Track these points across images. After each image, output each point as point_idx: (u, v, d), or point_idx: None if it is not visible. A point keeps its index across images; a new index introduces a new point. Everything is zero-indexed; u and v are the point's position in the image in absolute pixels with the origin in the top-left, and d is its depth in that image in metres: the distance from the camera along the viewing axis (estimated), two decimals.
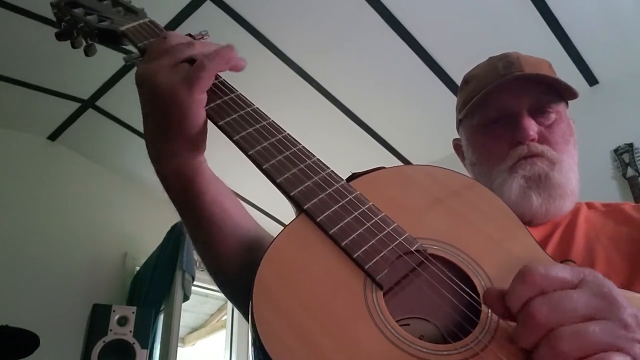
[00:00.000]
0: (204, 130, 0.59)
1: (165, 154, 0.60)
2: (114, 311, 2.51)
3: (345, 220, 0.50)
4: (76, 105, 2.91)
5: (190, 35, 0.65)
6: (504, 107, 0.78)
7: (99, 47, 0.73)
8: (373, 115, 2.74)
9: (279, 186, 0.53)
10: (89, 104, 2.89)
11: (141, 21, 0.69)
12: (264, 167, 0.54)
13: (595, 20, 2.15)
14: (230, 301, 0.74)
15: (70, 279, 2.86)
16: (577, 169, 0.78)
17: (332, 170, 0.55)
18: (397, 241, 0.48)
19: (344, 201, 0.52)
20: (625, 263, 0.65)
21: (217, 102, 0.59)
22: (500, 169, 0.76)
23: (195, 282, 2.79)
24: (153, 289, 2.74)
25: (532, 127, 0.75)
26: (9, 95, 2.77)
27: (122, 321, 2.49)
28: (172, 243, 2.76)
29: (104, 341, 2.41)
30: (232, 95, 0.60)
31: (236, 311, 3.42)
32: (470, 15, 2.20)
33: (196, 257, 2.62)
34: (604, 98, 2.37)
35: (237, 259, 0.66)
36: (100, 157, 3.30)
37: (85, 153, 3.27)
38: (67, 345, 2.55)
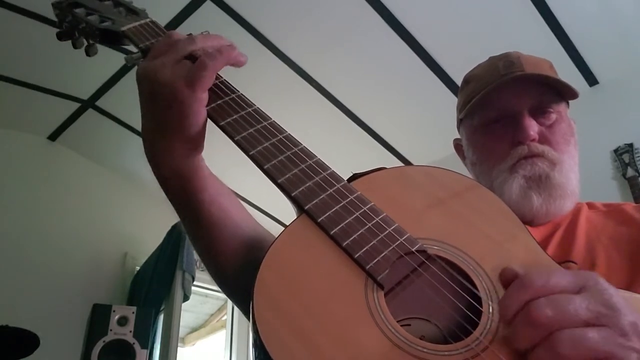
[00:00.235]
0: (203, 130, 0.59)
1: (164, 153, 0.60)
2: (114, 311, 2.51)
3: (347, 221, 0.50)
4: (76, 105, 2.91)
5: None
6: (504, 107, 0.78)
7: (99, 48, 0.73)
8: (373, 115, 2.74)
9: (280, 186, 0.53)
10: (89, 104, 2.89)
11: (142, 21, 0.69)
12: (265, 167, 0.54)
13: (595, 20, 2.15)
14: (230, 299, 0.74)
15: (70, 279, 2.86)
16: (577, 169, 0.78)
17: (333, 171, 0.55)
18: (398, 241, 0.48)
19: (345, 201, 0.52)
20: (626, 263, 0.65)
21: (219, 102, 0.59)
22: (501, 168, 0.76)
23: (195, 282, 2.79)
24: (153, 289, 2.74)
25: (532, 127, 0.75)
26: (9, 95, 2.77)
27: (122, 321, 2.49)
28: (172, 243, 2.76)
29: (104, 341, 2.41)
30: (234, 95, 0.60)
31: (236, 311, 3.43)
32: (470, 15, 2.20)
33: (196, 257, 2.62)
34: (604, 98, 2.37)
35: (237, 259, 0.66)
36: (100, 157, 3.30)
37: (85, 153, 3.27)
38: (67, 345, 2.55)
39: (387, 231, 0.49)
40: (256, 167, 0.55)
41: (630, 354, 0.35)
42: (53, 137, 3.15)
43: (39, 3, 2.18)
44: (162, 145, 0.59)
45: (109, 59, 2.35)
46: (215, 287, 0.71)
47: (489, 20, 2.19)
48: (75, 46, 0.71)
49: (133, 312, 2.54)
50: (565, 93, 0.80)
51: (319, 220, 0.49)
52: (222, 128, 0.57)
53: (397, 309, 0.44)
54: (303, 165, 0.55)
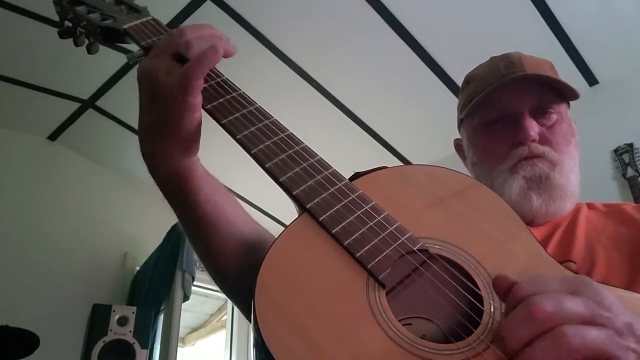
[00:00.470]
0: (198, 131, 0.59)
1: (160, 153, 0.60)
2: (114, 311, 2.51)
3: (348, 220, 0.50)
4: (76, 105, 2.91)
5: None
6: (505, 108, 0.78)
7: (100, 47, 0.73)
8: (373, 115, 2.74)
9: (281, 185, 0.53)
10: (89, 104, 2.89)
11: (144, 19, 0.69)
12: (267, 165, 0.54)
13: (595, 20, 2.15)
14: (230, 299, 0.74)
15: (70, 279, 2.85)
16: (577, 170, 0.78)
17: (334, 170, 0.55)
18: (400, 240, 0.48)
19: (346, 200, 0.52)
20: (626, 263, 0.65)
21: (220, 100, 0.59)
22: (501, 169, 0.76)
23: (195, 282, 2.78)
24: (153, 289, 2.74)
25: (533, 127, 0.75)
26: (9, 95, 2.77)
27: (122, 321, 2.49)
28: (172, 243, 2.76)
29: (104, 341, 2.41)
30: (235, 94, 0.60)
31: (236, 311, 3.42)
32: (470, 16, 2.20)
33: (196, 257, 2.62)
34: (604, 98, 2.37)
35: (235, 258, 0.66)
36: (100, 157, 3.30)
37: (85, 153, 3.27)
38: (67, 345, 2.55)
39: (388, 230, 0.49)
40: (257, 167, 0.55)
41: (628, 354, 0.36)
42: (53, 137, 3.15)
43: (39, 3, 2.18)
44: (159, 145, 0.60)
45: (109, 59, 2.35)
46: (215, 287, 0.71)
47: (489, 20, 2.19)
48: (76, 44, 0.71)
49: (133, 312, 2.54)
50: (566, 94, 0.80)
51: (321, 219, 0.49)
52: (224, 126, 0.57)
53: (398, 308, 0.44)
54: (304, 164, 0.55)
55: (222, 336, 3.64)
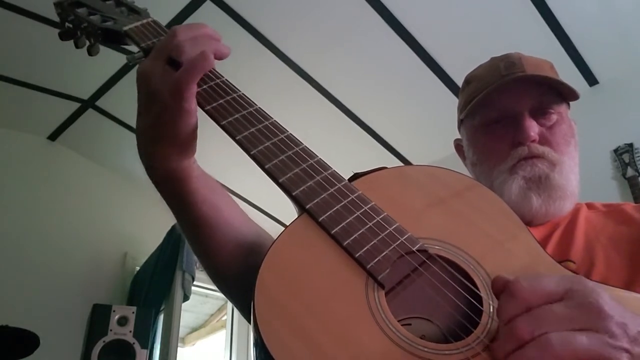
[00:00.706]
0: (193, 136, 0.60)
1: (155, 155, 0.61)
2: (114, 311, 2.51)
3: (347, 220, 0.50)
4: (76, 105, 2.91)
5: None
6: (505, 108, 0.78)
7: (100, 48, 0.73)
8: (373, 115, 2.74)
9: (281, 186, 0.53)
10: (89, 104, 2.89)
11: (144, 21, 0.69)
12: (267, 166, 0.54)
13: (595, 20, 2.15)
14: (229, 299, 0.75)
15: (70, 279, 2.85)
16: (577, 170, 0.78)
17: (334, 170, 0.55)
18: (399, 241, 0.49)
19: (345, 201, 0.52)
20: (626, 263, 0.65)
21: (220, 101, 0.59)
22: (501, 169, 0.76)
23: (195, 282, 2.78)
24: (153, 289, 2.74)
25: (533, 128, 0.75)
26: (9, 95, 2.77)
27: (122, 321, 2.49)
28: (172, 243, 2.76)
29: (104, 341, 2.40)
30: (235, 95, 0.61)
31: (236, 311, 3.42)
32: (470, 16, 2.20)
33: (196, 257, 2.62)
34: (604, 98, 2.37)
35: (233, 258, 0.67)
36: (100, 157, 3.30)
37: (85, 153, 3.27)
38: (67, 345, 2.55)
39: (387, 230, 0.49)
40: (256, 167, 0.55)
41: (620, 354, 0.36)
42: (53, 137, 3.15)
43: (39, 3, 2.18)
44: (155, 147, 0.60)
45: (109, 59, 2.35)
46: (215, 287, 0.72)
47: (489, 20, 2.19)
48: (77, 46, 0.71)
49: (133, 312, 2.54)
50: (566, 94, 0.80)
51: (320, 219, 0.49)
52: (223, 127, 0.57)
53: (397, 308, 0.44)
54: (304, 165, 0.55)
55: (222, 336, 3.64)
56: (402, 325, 0.43)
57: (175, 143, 0.59)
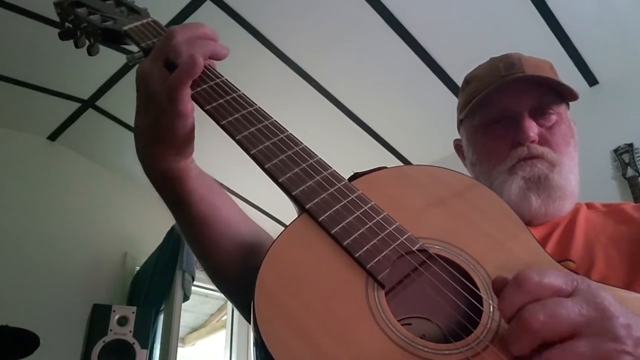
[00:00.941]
0: (190, 137, 0.60)
1: (153, 155, 0.61)
2: (114, 311, 2.50)
3: (347, 220, 0.50)
4: (76, 105, 2.91)
5: None
6: (504, 108, 0.78)
7: (100, 48, 0.73)
8: (373, 115, 2.74)
9: (281, 186, 0.53)
10: (89, 104, 2.89)
11: (144, 21, 0.69)
12: (266, 166, 0.54)
13: (595, 20, 2.15)
14: (228, 299, 0.75)
15: (70, 279, 2.85)
16: (577, 171, 0.78)
17: (334, 170, 0.55)
18: (399, 240, 0.49)
19: (345, 201, 0.52)
20: (625, 263, 0.65)
21: (219, 101, 0.59)
22: (500, 169, 0.76)
23: (195, 282, 2.78)
24: (153, 289, 2.74)
25: (532, 128, 0.75)
26: (9, 95, 2.76)
27: (122, 321, 2.49)
28: (172, 243, 2.76)
29: (104, 341, 2.40)
30: (234, 94, 0.61)
31: (236, 311, 3.42)
32: (470, 15, 2.20)
33: None
34: (604, 98, 2.37)
35: (231, 257, 0.67)
36: (100, 157, 3.30)
37: (85, 153, 3.27)
38: (67, 345, 2.55)
39: (387, 230, 0.49)
40: (256, 167, 0.55)
41: (623, 358, 0.35)
42: (53, 137, 3.15)
43: (39, 3, 2.18)
44: (152, 147, 0.61)
45: (109, 59, 2.34)
46: (215, 287, 0.72)
47: (489, 20, 2.19)
48: (77, 46, 0.72)
49: (133, 312, 2.54)
50: (565, 94, 0.80)
51: (320, 219, 0.49)
52: (223, 127, 0.57)
53: (397, 308, 0.44)
54: (304, 165, 0.55)
55: (222, 336, 3.64)
56: (402, 325, 0.43)
57: (173, 144, 0.60)
